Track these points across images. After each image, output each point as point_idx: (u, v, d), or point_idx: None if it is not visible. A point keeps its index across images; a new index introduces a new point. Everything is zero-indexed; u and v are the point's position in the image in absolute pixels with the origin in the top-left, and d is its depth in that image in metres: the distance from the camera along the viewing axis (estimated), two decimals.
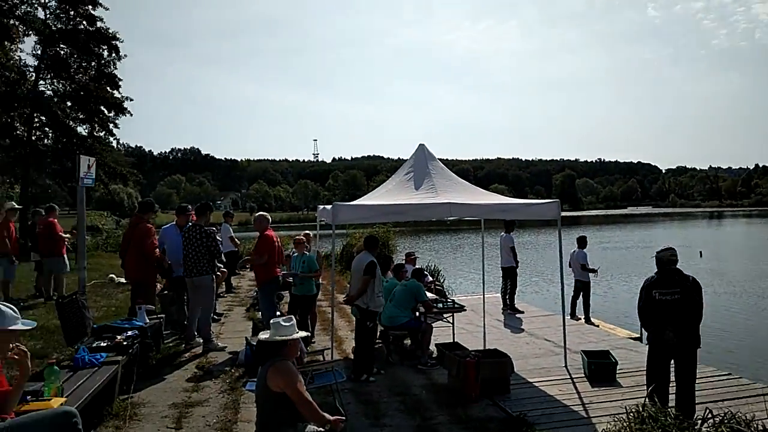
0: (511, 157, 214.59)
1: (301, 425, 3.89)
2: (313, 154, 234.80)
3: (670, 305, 5.66)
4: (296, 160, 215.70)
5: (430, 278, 12.48)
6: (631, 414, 4.98)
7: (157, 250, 8.46)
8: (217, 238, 11.91)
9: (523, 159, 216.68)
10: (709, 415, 4.67)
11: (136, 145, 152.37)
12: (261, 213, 8.47)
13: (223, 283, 12.30)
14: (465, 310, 8.98)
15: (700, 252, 28.07)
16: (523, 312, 11.78)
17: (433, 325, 8.39)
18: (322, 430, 3.90)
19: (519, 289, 12.66)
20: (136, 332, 6.55)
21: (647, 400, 5.25)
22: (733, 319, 13.62)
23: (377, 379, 7.09)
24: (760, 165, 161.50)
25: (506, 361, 6.75)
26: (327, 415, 3.90)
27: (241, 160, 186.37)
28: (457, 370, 6.47)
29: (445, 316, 8.87)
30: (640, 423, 4.82)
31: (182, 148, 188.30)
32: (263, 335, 4.13)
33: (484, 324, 9.49)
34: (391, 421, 5.72)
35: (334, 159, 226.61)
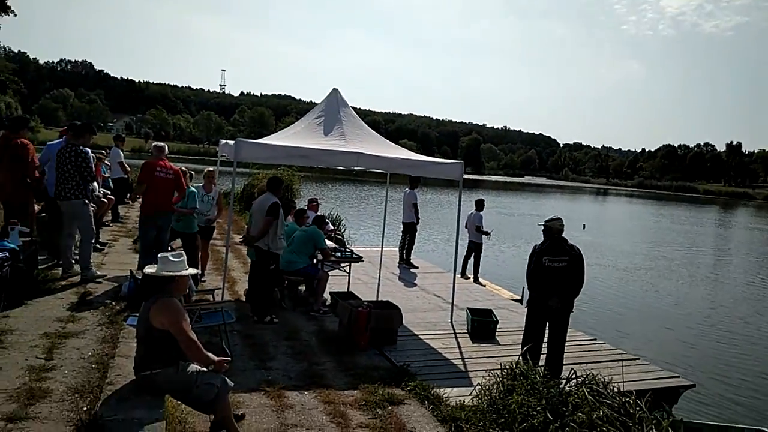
0: (422, 115, 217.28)
1: (183, 363, 3.79)
2: (220, 85, 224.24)
3: (558, 272, 6.04)
4: (201, 89, 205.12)
5: (331, 227, 12.47)
6: (505, 370, 5.33)
7: (37, 171, 7.72)
8: (106, 162, 11.06)
9: (434, 118, 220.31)
10: (574, 376, 5.08)
11: (19, 50, 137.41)
12: (156, 142, 8.01)
13: (109, 211, 11.51)
14: (362, 260, 9.09)
15: (584, 225, 30.26)
16: (417, 267, 12.12)
17: (330, 273, 8.41)
18: (205, 369, 3.82)
19: (416, 245, 12.99)
20: (7, 254, 6.01)
21: (520, 358, 5.63)
22: (602, 289, 14.89)
23: (266, 322, 7.04)
24: (646, 149, 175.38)
25: (396, 313, 6.93)
26: (211, 355, 3.83)
27: (139, 81, 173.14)
28: (348, 318, 6.56)
29: (342, 265, 8.92)
30: (512, 379, 5.17)
31: (73, 60, 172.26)
32: (149, 269, 3.94)
33: (380, 276, 9.66)
34: (277, 365, 5.72)
35: (242, 93, 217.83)
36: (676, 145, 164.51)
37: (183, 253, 4.08)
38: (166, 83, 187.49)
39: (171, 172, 7.76)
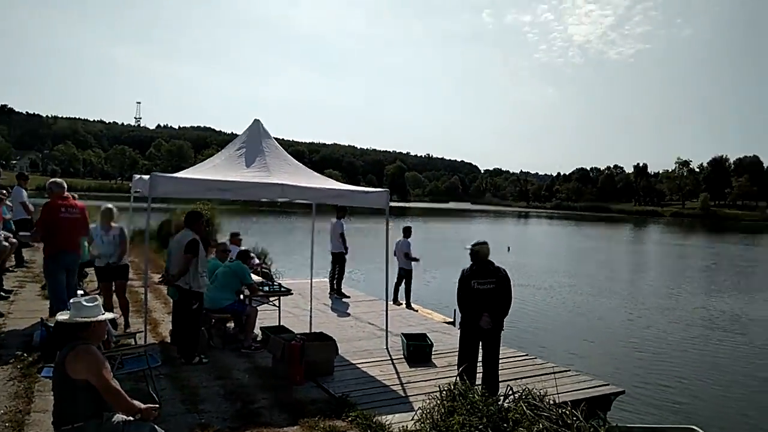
0: (347, 144, 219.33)
1: (108, 414, 3.55)
2: (135, 118, 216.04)
3: (486, 294, 6.16)
4: (114, 122, 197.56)
5: (257, 260, 12.16)
6: (444, 392, 5.32)
7: None
8: (7, 203, 10.31)
9: (359, 147, 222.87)
10: (510, 392, 5.15)
11: None
12: (52, 180, 7.52)
13: (13, 255, 10.69)
14: (292, 293, 8.88)
15: (508, 247, 31.27)
16: (349, 297, 12.02)
17: (259, 308, 8.17)
18: (131, 419, 3.57)
19: (346, 275, 12.90)
20: None
21: (458, 379, 5.65)
22: (529, 307, 15.36)
23: (194, 364, 6.70)
24: (561, 173, 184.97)
25: (331, 344, 6.80)
26: (138, 403, 3.61)
27: (47, 116, 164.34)
28: (281, 353, 6.37)
29: (271, 299, 8.69)
30: (451, 400, 5.17)
31: None
32: (62, 316, 3.67)
33: (311, 308, 9.49)
34: (210, 407, 5.43)
35: (158, 126, 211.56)
36: (588, 168, 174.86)
37: (97, 297, 3.82)
38: (77, 117, 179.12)
39: (77, 211, 7.32)
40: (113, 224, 8.02)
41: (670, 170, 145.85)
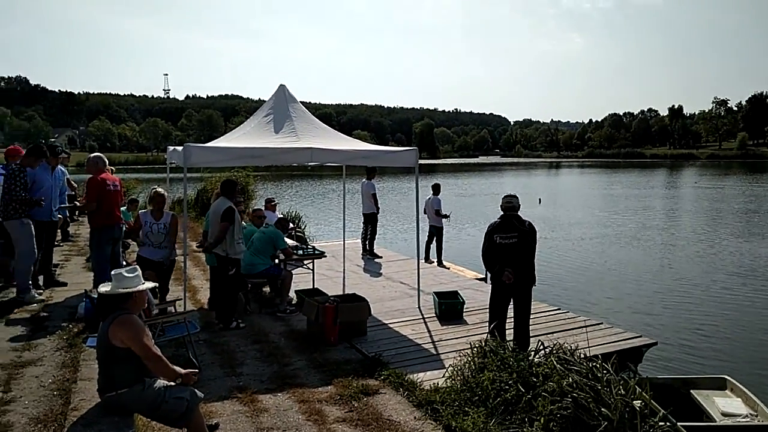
0: (374, 104, 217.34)
1: (149, 380, 3.70)
2: (164, 90, 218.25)
3: (509, 248, 6.14)
4: (144, 95, 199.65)
5: (291, 225, 12.35)
6: (475, 349, 5.40)
7: None
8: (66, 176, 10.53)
9: (386, 106, 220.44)
10: (541, 347, 5.19)
11: None
12: (94, 154, 7.68)
13: (59, 230, 11.09)
14: (325, 256, 9.03)
15: (539, 199, 30.89)
16: (381, 257, 12.15)
17: (293, 272, 8.34)
18: (173, 384, 3.74)
19: (378, 235, 13.01)
20: None
21: (489, 335, 5.72)
22: (561, 260, 15.25)
23: (233, 328, 6.94)
24: (593, 120, 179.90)
25: (364, 305, 6.93)
26: (178, 369, 3.76)
27: (79, 93, 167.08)
28: (316, 315, 6.53)
29: (305, 262, 8.85)
30: (482, 357, 5.25)
31: (6, 77, 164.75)
32: (104, 288, 3.82)
33: (344, 269, 9.64)
34: (248, 370, 5.65)
35: (187, 96, 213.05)
36: (621, 113, 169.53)
37: (137, 267, 3.96)
38: (108, 92, 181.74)
39: (117, 185, 7.56)
40: (165, 211, 7.49)
41: (707, 110, 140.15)
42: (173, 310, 6.57)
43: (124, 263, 8.67)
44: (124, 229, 7.99)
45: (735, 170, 71.30)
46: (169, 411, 3.63)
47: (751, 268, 13.93)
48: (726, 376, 5.84)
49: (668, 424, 4.15)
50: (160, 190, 7.59)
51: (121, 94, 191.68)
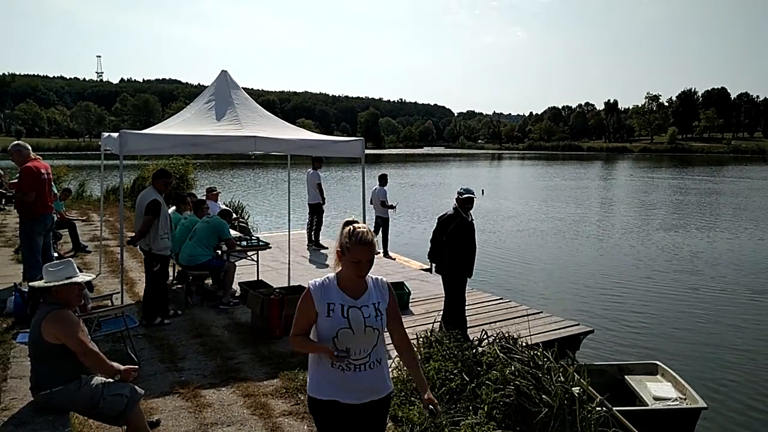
0: (318, 92, 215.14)
1: (86, 377, 3.57)
2: (97, 73, 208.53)
3: (450, 239, 6.28)
4: (75, 78, 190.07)
5: (234, 215, 12.09)
6: (420, 339, 5.47)
7: None
8: None
9: (330, 94, 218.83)
10: (485, 336, 5.32)
11: None
12: (16, 142, 7.27)
13: None
14: (270, 247, 8.89)
15: (482, 190, 31.49)
16: (327, 248, 12.08)
17: (237, 263, 8.17)
18: (111, 380, 3.60)
19: (324, 226, 12.92)
20: None
21: (436, 325, 5.81)
22: (502, 251, 15.64)
23: (174, 322, 6.74)
24: (533, 113, 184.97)
25: None
26: (116, 365, 3.64)
27: (4, 74, 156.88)
28: (261, 308, 6.42)
29: (249, 254, 8.69)
30: (428, 347, 5.32)
31: None
32: (36, 281, 3.62)
33: (289, 261, 9.52)
34: (190, 365, 5.51)
35: (122, 80, 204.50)
36: (560, 107, 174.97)
37: (71, 260, 3.77)
38: (35, 74, 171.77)
39: (48, 172, 7.20)
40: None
41: (640, 105, 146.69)
42: (110, 304, 6.32)
43: (56, 255, 8.27)
44: (55, 219, 7.61)
45: (665, 163, 75.09)
46: (107, 408, 3.52)
47: (679, 258, 14.72)
48: (657, 362, 6.16)
49: (604, 409, 4.34)
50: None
51: (50, 76, 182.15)
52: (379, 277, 2.78)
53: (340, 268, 2.65)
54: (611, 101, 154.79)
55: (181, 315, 6.85)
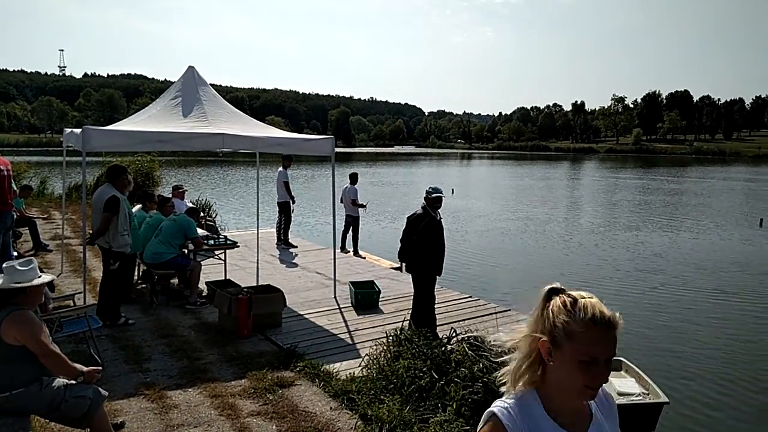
0: (288, 89, 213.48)
1: (47, 379, 3.48)
2: (59, 67, 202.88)
3: (420, 239, 6.31)
4: (36, 72, 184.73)
5: (201, 213, 11.91)
6: (390, 338, 5.48)
7: None
8: None
9: (300, 92, 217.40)
10: (454, 334, 5.36)
11: None
12: None
13: None
14: (238, 246, 8.79)
15: (452, 189, 31.73)
16: (296, 246, 12.00)
17: (205, 262, 8.06)
18: (73, 382, 3.51)
19: (293, 224, 12.83)
20: None
21: (406, 324, 5.83)
22: (471, 249, 15.79)
23: (139, 322, 6.61)
24: (503, 113, 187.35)
25: (278, 296, 6.82)
26: (79, 366, 3.56)
27: None
28: (228, 307, 6.34)
29: (216, 252, 8.57)
30: (397, 345, 5.34)
31: None
32: None
33: (258, 260, 9.43)
34: (155, 365, 5.40)
35: (85, 74, 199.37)
36: (528, 108, 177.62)
37: (33, 259, 3.66)
38: None
39: (8, 168, 6.97)
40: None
41: (606, 107, 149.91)
42: (72, 304, 6.16)
43: (16, 254, 8.02)
44: (15, 217, 7.38)
45: (630, 164, 76.87)
46: (69, 411, 3.44)
47: (642, 258, 15.08)
48: (622, 358, 6.30)
49: None
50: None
51: (10, 69, 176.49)
52: (604, 391, 1.56)
53: (528, 374, 1.47)
54: (578, 102, 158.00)
55: (133, 324, 6.62)
